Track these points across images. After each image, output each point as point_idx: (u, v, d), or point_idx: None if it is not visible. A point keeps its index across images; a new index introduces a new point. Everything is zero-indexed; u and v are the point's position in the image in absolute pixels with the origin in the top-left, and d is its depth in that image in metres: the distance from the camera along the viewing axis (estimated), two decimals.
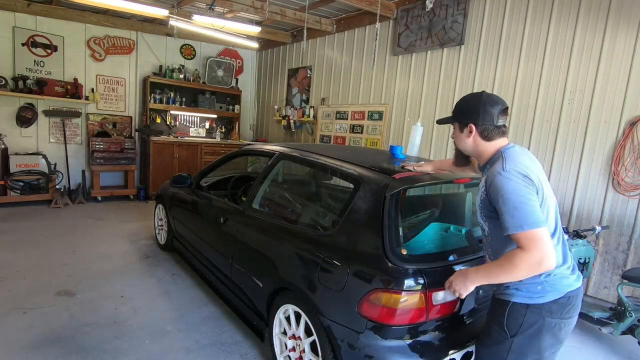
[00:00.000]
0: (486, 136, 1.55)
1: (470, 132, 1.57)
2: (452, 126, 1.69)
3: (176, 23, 5.34)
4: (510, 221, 1.35)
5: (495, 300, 1.62)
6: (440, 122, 1.77)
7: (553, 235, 1.47)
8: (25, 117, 5.86)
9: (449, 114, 1.73)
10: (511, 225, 1.35)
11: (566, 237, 2.90)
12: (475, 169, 1.86)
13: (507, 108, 1.58)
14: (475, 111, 1.55)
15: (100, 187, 6.36)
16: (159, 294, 3.24)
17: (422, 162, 2.18)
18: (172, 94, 7.03)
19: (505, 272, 1.38)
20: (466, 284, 1.50)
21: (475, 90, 4.18)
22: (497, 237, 1.51)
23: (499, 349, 1.53)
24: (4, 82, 5.57)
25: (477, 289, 1.72)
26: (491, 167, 1.52)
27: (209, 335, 2.68)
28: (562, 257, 1.50)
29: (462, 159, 1.77)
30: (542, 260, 1.32)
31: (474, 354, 1.89)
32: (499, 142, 1.57)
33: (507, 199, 1.37)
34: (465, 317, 1.92)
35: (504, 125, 1.57)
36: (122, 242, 4.42)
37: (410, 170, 2.09)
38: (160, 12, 5.20)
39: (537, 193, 1.42)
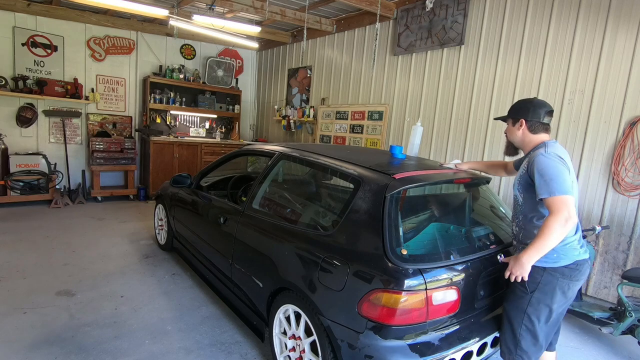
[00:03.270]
0: (532, 130, 1.96)
1: (521, 125, 1.98)
2: (505, 124, 2.11)
3: (176, 23, 5.34)
4: (544, 188, 1.71)
5: None
6: (497, 119, 2.25)
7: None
8: (25, 117, 5.86)
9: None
10: (545, 191, 1.71)
11: None
12: (509, 172, 2.35)
13: (552, 111, 1.98)
14: (526, 110, 1.97)
15: (100, 187, 6.36)
16: (159, 294, 3.24)
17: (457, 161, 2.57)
18: (172, 94, 7.03)
19: (546, 239, 1.67)
20: (524, 266, 1.75)
21: (474, 90, 4.25)
22: (530, 205, 1.89)
23: (520, 303, 1.89)
24: (4, 82, 5.57)
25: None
26: (534, 151, 1.90)
27: (209, 335, 2.68)
28: (574, 229, 1.85)
29: (511, 149, 2.13)
30: (569, 219, 1.64)
31: (474, 351, 1.90)
32: (542, 136, 1.96)
33: (544, 172, 1.74)
34: (465, 317, 1.92)
35: (548, 124, 1.97)
36: (122, 242, 4.42)
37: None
38: (160, 12, 5.20)
39: (569, 173, 1.76)
